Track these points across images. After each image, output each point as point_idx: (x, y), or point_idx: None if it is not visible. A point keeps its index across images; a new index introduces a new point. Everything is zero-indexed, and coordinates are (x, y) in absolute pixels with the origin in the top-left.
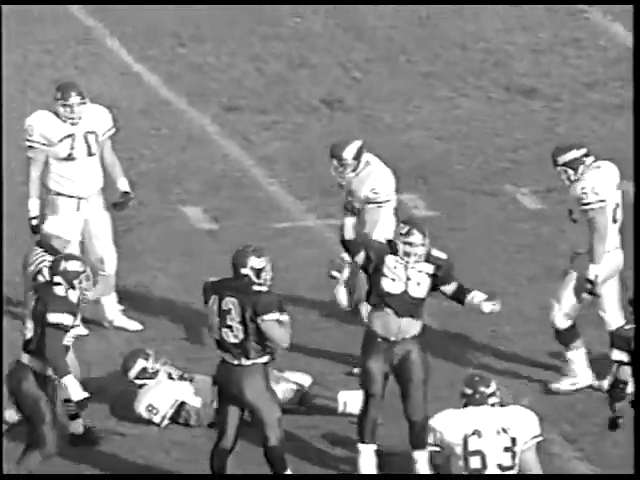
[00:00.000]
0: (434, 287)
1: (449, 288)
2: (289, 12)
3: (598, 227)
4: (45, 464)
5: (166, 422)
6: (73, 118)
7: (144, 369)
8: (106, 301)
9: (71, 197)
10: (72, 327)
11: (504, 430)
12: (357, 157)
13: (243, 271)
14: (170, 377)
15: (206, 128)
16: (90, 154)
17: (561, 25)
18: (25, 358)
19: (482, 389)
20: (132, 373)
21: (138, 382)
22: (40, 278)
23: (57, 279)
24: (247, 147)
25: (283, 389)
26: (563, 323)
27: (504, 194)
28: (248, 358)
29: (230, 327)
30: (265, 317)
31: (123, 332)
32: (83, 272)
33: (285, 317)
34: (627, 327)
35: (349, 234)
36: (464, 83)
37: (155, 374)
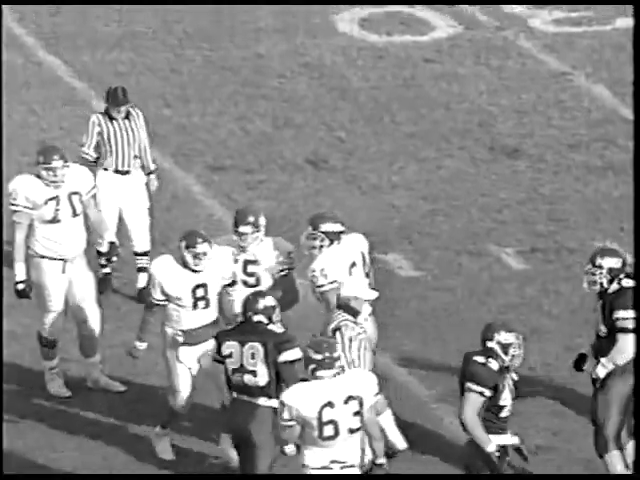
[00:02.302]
0: None
1: None
2: (274, 72)
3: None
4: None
5: None
6: (56, 181)
7: None
8: (90, 362)
9: (56, 259)
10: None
11: (352, 397)
12: (330, 236)
13: (489, 344)
14: None
15: (191, 188)
16: (75, 215)
17: (544, 87)
18: (262, 401)
19: (330, 354)
20: None
21: None
22: (338, 335)
23: (258, 317)
24: (232, 207)
25: None
26: None
27: (489, 254)
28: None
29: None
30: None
31: (106, 393)
32: (276, 307)
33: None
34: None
35: None
36: (448, 143)
37: None
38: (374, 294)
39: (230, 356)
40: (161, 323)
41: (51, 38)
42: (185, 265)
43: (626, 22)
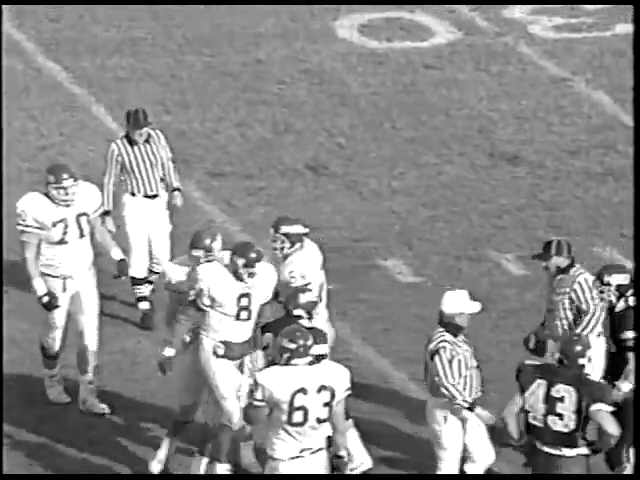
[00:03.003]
0: None
1: None
2: (274, 78)
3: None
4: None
5: None
6: (67, 200)
7: None
8: (82, 379)
9: (57, 277)
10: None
11: (325, 387)
12: (291, 238)
13: (582, 360)
14: None
15: (191, 194)
16: (82, 236)
17: (544, 93)
18: None
19: (303, 342)
20: None
21: None
22: (436, 359)
23: (298, 312)
24: (232, 213)
25: None
26: None
27: (489, 260)
28: (573, 448)
29: (560, 415)
30: (601, 406)
31: (106, 398)
32: (316, 302)
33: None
34: None
35: None
36: (448, 149)
37: None
38: (478, 306)
39: (268, 347)
40: (197, 334)
41: (51, 44)
42: (234, 274)
43: (626, 28)
